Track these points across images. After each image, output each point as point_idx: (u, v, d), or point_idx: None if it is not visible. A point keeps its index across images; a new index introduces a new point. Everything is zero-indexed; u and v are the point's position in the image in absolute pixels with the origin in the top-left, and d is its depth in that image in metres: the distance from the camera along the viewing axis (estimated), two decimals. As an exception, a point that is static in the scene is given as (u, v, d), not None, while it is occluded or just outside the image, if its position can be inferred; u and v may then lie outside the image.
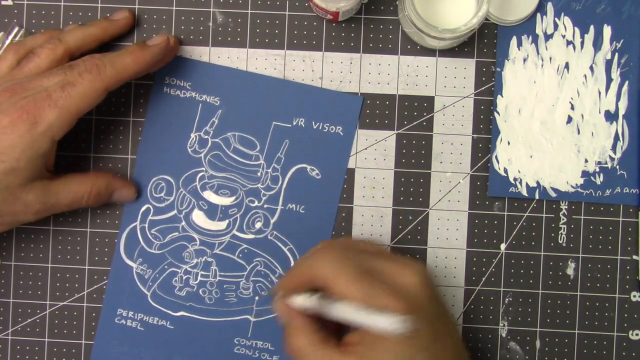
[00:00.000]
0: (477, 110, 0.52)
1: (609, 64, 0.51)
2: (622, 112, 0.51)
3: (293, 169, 0.51)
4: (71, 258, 0.53)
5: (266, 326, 0.51)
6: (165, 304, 0.52)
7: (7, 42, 0.51)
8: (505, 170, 0.51)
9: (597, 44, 0.51)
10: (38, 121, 0.43)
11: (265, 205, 0.51)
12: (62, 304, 0.53)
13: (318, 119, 0.51)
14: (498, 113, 0.51)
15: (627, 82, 0.51)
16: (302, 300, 0.43)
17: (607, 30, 0.51)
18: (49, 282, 0.52)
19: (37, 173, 0.45)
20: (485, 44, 0.52)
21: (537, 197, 0.52)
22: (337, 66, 0.52)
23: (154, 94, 0.52)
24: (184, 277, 0.51)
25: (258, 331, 0.51)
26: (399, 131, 0.52)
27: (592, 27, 0.51)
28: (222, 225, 0.51)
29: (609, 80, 0.51)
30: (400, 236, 0.52)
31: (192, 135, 0.52)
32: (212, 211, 0.51)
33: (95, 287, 0.52)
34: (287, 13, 0.52)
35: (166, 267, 0.52)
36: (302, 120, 0.51)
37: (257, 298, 0.51)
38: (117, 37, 0.51)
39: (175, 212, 0.52)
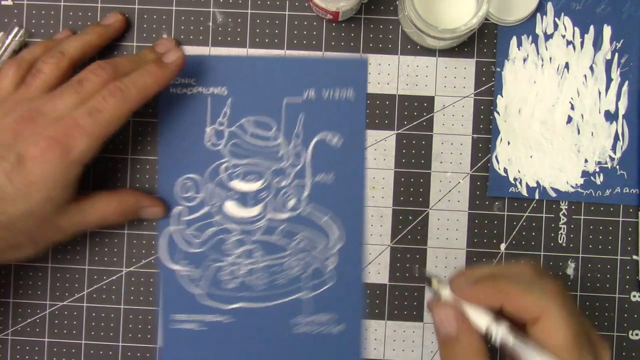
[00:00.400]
0: (477, 110, 0.52)
1: (609, 64, 0.51)
2: (622, 112, 0.51)
3: (313, 141, 0.51)
4: (71, 258, 0.52)
5: (321, 299, 0.51)
6: (218, 299, 0.52)
7: (7, 41, 0.51)
8: (505, 170, 0.51)
9: (597, 44, 0.51)
10: (70, 150, 0.43)
11: (294, 182, 0.51)
12: (62, 304, 0.53)
13: (327, 86, 0.51)
14: (498, 113, 0.51)
15: (627, 82, 0.51)
16: (486, 321, 0.37)
17: (607, 30, 0.51)
18: (49, 282, 0.52)
19: (69, 198, 0.45)
20: (485, 44, 0.52)
21: (537, 197, 0.52)
22: (337, 66, 0.52)
23: (161, 97, 0.52)
24: (230, 270, 0.52)
25: (313, 306, 0.51)
26: (399, 131, 0.52)
27: (592, 27, 0.51)
28: (255, 210, 0.51)
29: (609, 80, 0.51)
30: (400, 236, 0.52)
31: (207, 130, 0.52)
32: (243, 199, 0.51)
33: (95, 287, 0.52)
34: (287, 13, 0.52)
35: (211, 263, 0.52)
36: (312, 91, 0.51)
37: (306, 274, 0.51)
38: (112, 41, 0.51)
39: (207, 207, 0.52)
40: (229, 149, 0.51)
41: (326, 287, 0.51)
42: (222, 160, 0.52)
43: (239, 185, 0.51)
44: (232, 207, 0.51)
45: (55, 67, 0.46)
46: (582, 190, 0.51)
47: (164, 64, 0.47)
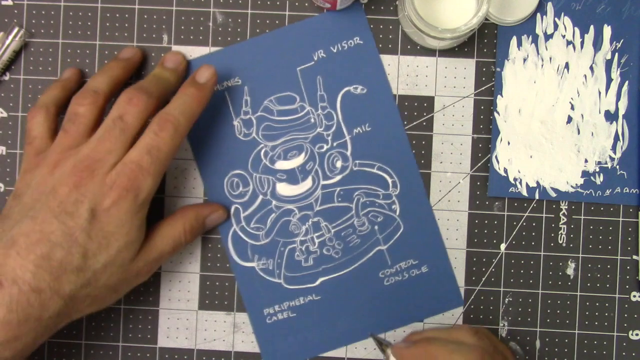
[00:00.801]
0: (477, 110, 0.52)
1: (609, 64, 0.51)
2: (622, 112, 0.51)
3: (339, 99, 0.51)
4: (71, 258, 0.52)
5: (400, 246, 0.51)
6: (301, 280, 0.52)
7: (7, 41, 0.51)
8: (505, 170, 0.51)
9: (597, 44, 0.51)
10: (138, 194, 0.43)
11: (335, 143, 0.52)
12: (62, 304, 0.53)
13: (333, 41, 0.52)
14: (498, 113, 0.51)
15: (627, 82, 0.51)
16: None
17: (607, 30, 0.51)
18: (49, 282, 0.52)
19: (143, 238, 0.45)
20: (485, 44, 0.52)
21: (537, 197, 0.52)
22: (337, 66, 0.52)
23: None
24: (302, 248, 0.52)
25: (395, 255, 0.51)
26: (399, 131, 0.52)
27: (592, 27, 0.51)
28: (307, 184, 0.52)
29: (609, 80, 0.51)
30: (400, 236, 0.52)
31: (235, 122, 0.52)
32: (292, 177, 0.52)
33: (95, 287, 0.52)
34: (287, 13, 0.52)
35: (283, 248, 0.52)
36: (321, 52, 0.51)
37: (376, 227, 0.51)
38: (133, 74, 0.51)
39: (261, 197, 0.52)
40: (261, 134, 0.52)
41: (398, 234, 0.51)
42: (259, 147, 0.52)
43: (283, 164, 0.52)
44: (284, 188, 0.52)
45: (93, 107, 0.46)
46: (582, 190, 0.51)
47: (201, 85, 0.47)
